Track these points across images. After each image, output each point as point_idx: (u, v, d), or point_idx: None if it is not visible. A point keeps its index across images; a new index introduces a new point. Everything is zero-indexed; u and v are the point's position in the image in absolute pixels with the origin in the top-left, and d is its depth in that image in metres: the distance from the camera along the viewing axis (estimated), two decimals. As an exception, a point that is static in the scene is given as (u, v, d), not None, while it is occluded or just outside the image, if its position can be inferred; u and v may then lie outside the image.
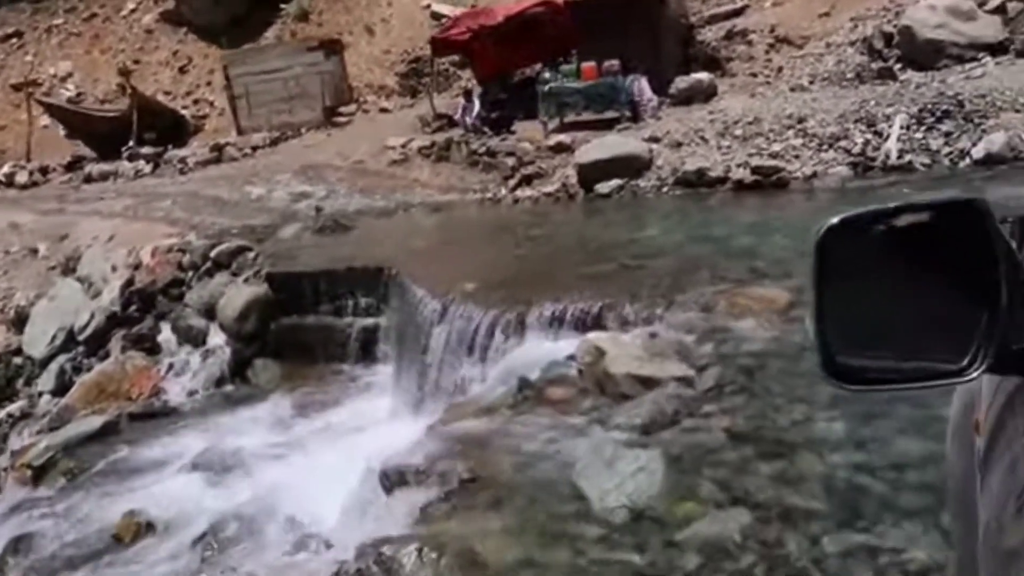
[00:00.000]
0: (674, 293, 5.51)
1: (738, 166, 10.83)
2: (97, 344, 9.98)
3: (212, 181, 16.09)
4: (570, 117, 13.97)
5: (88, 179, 18.54)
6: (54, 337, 10.41)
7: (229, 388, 8.61)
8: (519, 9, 15.60)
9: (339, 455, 6.06)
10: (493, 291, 6.44)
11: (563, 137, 13.41)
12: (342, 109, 19.11)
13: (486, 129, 14.46)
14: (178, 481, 6.21)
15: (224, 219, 13.29)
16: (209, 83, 22.07)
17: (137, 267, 11.22)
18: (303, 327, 8.78)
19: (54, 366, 9.51)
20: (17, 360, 10.44)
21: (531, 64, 16.42)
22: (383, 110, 19.06)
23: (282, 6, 22.84)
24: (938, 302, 0.86)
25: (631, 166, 11.83)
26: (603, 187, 11.66)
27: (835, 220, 0.88)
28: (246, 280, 9.62)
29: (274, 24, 22.84)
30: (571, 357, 4.91)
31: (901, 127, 10.65)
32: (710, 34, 16.60)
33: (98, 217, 13.65)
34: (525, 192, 12.79)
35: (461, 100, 15.37)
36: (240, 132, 19.32)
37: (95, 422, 7.65)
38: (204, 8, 22.75)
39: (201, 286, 9.68)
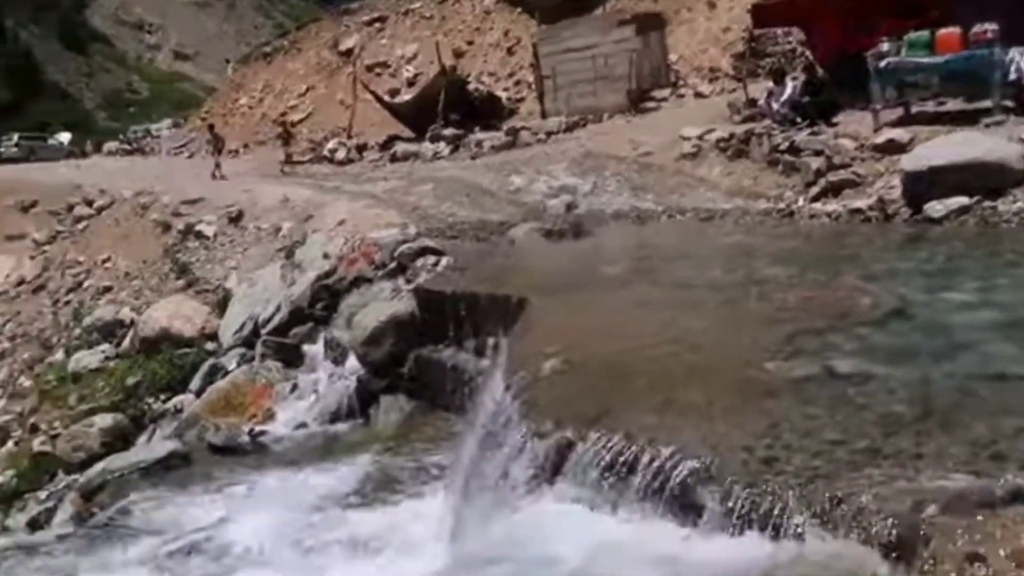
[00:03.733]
0: (870, 478, 2.37)
1: None
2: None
3: (490, 167, 14.67)
4: (918, 105, 10.03)
5: (394, 158, 18.35)
6: (242, 326, 9.54)
7: (342, 427, 6.82)
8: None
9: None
10: (582, 378, 3.72)
11: (897, 133, 9.60)
12: (654, 93, 16.59)
13: (797, 119, 11.04)
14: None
15: (466, 211, 11.70)
16: (532, 64, 20.90)
17: (343, 258, 10.01)
18: (440, 363, 6.66)
19: (209, 364, 8.54)
20: (210, 345, 9.77)
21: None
22: (699, 95, 16.20)
23: (619, -19, 20.87)
24: None
25: (989, 179, 7.86)
26: (936, 208, 7.87)
27: None
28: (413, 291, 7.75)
29: (609, 2, 20.94)
30: None
31: None
32: None
33: (351, 199, 12.87)
34: (828, 205, 9.32)
35: (769, 83, 12.02)
36: (544, 115, 17.76)
37: (162, 448, 6.32)
38: (541, -13, 21.58)
39: (362, 291, 8.04)
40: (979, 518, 2.12)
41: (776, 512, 2.34)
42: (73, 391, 10.06)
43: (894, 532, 2.11)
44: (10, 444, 9.91)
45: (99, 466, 6.35)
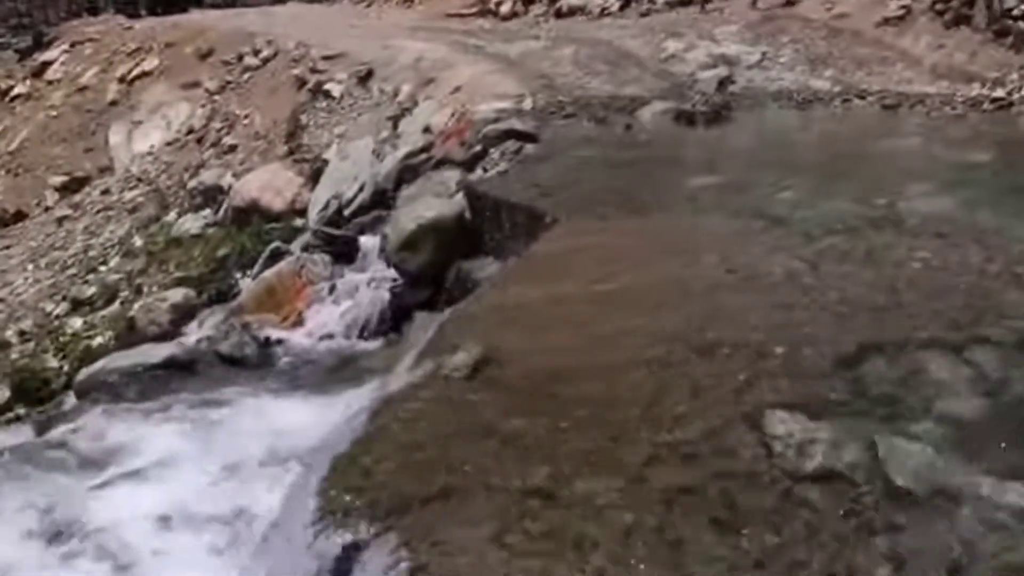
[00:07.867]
0: None
1: None
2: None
3: (649, 28, 12.63)
4: None
5: (559, 14, 16.51)
6: (327, 205, 8.72)
7: (369, 345, 5.83)
8: None
9: None
10: (485, 394, 2.38)
11: None
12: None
13: (1045, -27, 8.24)
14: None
15: (599, 81, 9.97)
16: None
17: (442, 133, 8.81)
18: (478, 282, 5.45)
19: (272, 246, 7.77)
20: (298, 222, 9.06)
21: None
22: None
23: None
24: None
25: None
26: None
27: None
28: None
29: None
30: None
31: None
32: None
33: (488, 61, 11.44)
34: (1062, 98, 6.87)
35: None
36: (734, -35, 15.06)
37: (161, 352, 5.63)
38: None
39: (427, 179, 6.85)
40: None
41: None
42: (174, 256, 9.83)
43: None
44: (116, 304, 9.91)
45: (100, 363, 5.80)
